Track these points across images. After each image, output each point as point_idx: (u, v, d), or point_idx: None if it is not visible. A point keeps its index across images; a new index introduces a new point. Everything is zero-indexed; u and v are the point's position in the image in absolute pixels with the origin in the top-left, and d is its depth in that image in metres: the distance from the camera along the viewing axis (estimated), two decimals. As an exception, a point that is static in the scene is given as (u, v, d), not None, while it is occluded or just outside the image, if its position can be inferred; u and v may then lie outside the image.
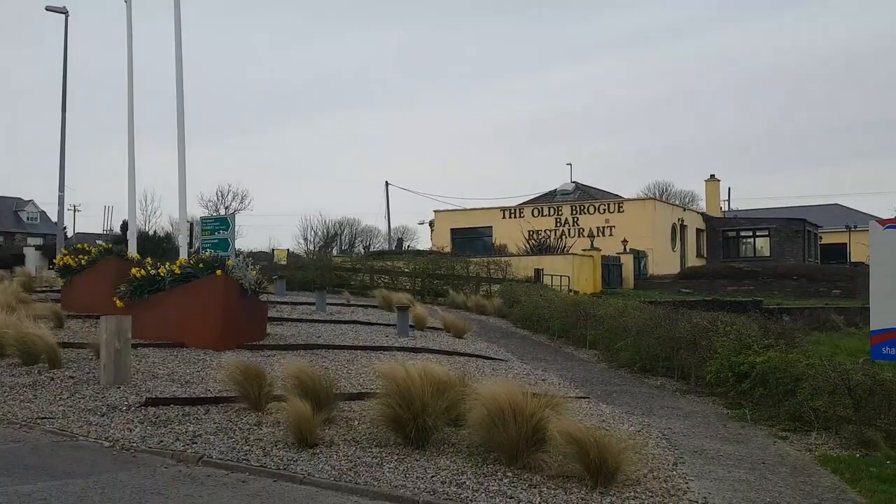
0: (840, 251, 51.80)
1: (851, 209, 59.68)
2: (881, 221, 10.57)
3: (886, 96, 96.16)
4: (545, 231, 38.62)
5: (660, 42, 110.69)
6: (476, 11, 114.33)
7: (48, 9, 27.03)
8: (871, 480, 7.15)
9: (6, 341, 10.18)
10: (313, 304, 18.50)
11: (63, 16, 27.30)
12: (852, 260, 48.92)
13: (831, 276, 36.30)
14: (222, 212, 60.05)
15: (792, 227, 45.97)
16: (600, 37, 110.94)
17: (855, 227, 52.29)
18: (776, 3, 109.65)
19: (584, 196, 44.68)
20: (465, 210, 45.36)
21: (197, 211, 56.63)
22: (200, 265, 11.54)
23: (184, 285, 11.65)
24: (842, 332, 23.09)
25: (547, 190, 47.92)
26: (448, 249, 38.47)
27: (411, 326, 15.68)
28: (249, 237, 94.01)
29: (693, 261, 42.60)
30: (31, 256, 43.34)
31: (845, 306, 27.33)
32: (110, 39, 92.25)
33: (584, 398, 10.64)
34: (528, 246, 35.62)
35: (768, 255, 44.73)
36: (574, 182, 47.88)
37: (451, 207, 47.40)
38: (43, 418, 7.64)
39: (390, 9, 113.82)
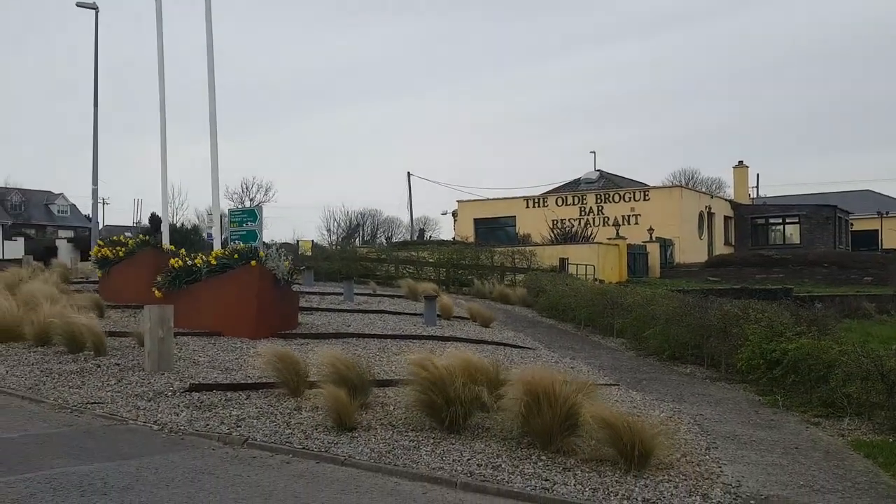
0: (871, 238, 51.03)
1: (883, 195, 58.70)
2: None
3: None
4: (569, 220, 38.56)
5: (684, 25, 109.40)
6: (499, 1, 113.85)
7: (79, 5, 27.48)
8: (904, 464, 7.19)
9: (53, 330, 10.52)
10: (341, 294, 18.77)
11: (93, 11, 27.73)
12: (884, 247, 48.20)
13: (862, 263, 35.85)
14: (247, 204, 60.76)
15: (822, 213, 45.35)
16: (623, 20, 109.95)
17: (887, 213, 51.51)
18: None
19: (608, 184, 44.48)
20: (489, 200, 45.39)
21: (222, 203, 57.22)
22: (235, 256, 11.80)
23: (220, 276, 11.93)
24: (873, 319, 22.89)
25: (571, 179, 47.79)
26: (471, 239, 38.59)
27: (438, 316, 15.87)
28: (273, 228, 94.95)
29: (721, 249, 42.25)
30: (64, 249, 44.24)
31: (877, 293, 27.05)
32: (131, 31, 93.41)
33: (613, 385, 10.75)
34: (552, 235, 35.62)
35: (798, 242, 44.18)
36: (598, 170, 47.69)
37: (473, 197, 47.50)
38: (93, 403, 7.92)
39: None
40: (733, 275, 33.43)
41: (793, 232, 45.77)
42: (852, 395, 9.20)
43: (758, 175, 62.15)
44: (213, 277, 11.99)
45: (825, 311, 16.35)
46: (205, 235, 36.35)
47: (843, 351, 9.88)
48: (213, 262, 11.98)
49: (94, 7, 27.61)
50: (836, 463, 7.28)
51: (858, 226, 52.09)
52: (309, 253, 32.68)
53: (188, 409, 7.72)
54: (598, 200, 40.38)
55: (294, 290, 13.51)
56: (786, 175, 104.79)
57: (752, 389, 11.07)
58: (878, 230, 50.95)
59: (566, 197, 41.82)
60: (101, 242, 17.01)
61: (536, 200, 42.34)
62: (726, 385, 11.58)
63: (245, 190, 64.60)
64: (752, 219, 46.25)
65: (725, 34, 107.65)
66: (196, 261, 12.23)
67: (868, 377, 9.05)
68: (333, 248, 46.08)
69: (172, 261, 12.58)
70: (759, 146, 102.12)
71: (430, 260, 27.21)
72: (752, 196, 54.76)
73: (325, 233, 70.41)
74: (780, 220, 46.71)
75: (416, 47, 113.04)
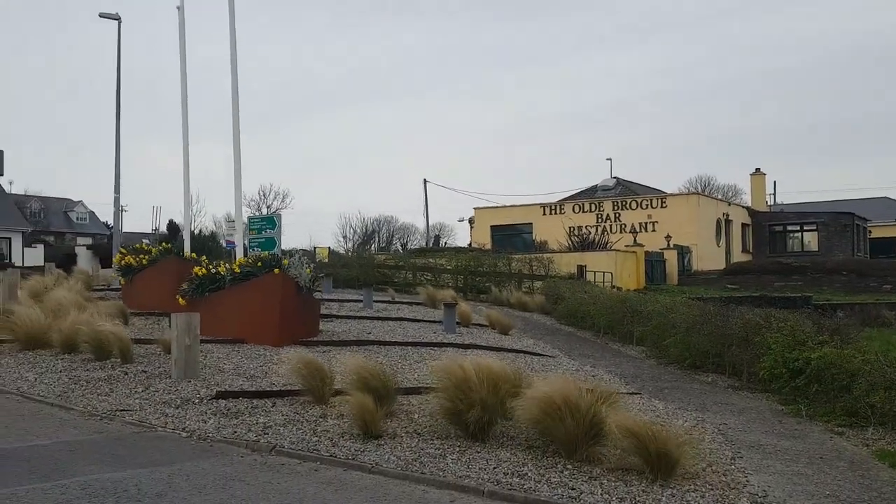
0: (890, 245, 50.54)
1: (902, 202, 58.21)
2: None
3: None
4: (586, 227, 38.50)
5: (697, 30, 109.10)
6: (511, 2, 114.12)
7: (101, 15, 27.88)
8: (931, 475, 7.17)
9: (80, 338, 10.68)
10: (360, 301, 18.87)
11: (115, 22, 28.12)
12: (903, 254, 47.73)
13: (882, 271, 35.55)
14: (264, 211, 61.23)
15: (840, 220, 45.04)
16: (638, 24, 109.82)
17: (905, 220, 51.00)
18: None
19: (625, 191, 44.41)
20: (505, 207, 45.43)
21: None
22: (259, 264, 11.93)
23: (243, 283, 12.06)
24: (893, 328, 22.70)
25: (587, 186, 47.75)
26: (488, 246, 38.64)
27: (457, 323, 15.92)
28: (289, 235, 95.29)
29: (738, 256, 42.05)
30: (83, 256, 44.76)
31: (897, 302, 26.82)
32: (147, 39, 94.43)
33: (635, 394, 10.76)
34: (569, 242, 35.60)
35: (816, 249, 43.89)
36: (615, 177, 47.61)
37: (489, 204, 47.57)
38: (122, 410, 8.04)
39: (425, 2, 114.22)
40: (752, 282, 33.27)
41: (811, 239, 45.48)
42: (876, 404, 9.16)
43: (774, 182, 61.95)
44: (237, 285, 12.13)
45: (847, 320, 16.31)
46: (222, 243, 36.65)
47: (867, 360, 9.84)
48: (237, 269, 12.11)
49: (117, 18, 27.99)
50: (861, 473, 7.26)
51: (877, 233, 51.66)
52: (326, 260, 32.88)
53: (215, 416, 7.82)
54: (616, 207, 40.32)
55: (317, 297, 13.63)
56: (802, 182, 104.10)
57: (775, 399, 11.04)
58: (896, 237, 50.51)
59: (583, 204, 41.79)
60: (123, 250, 17.22)
61: (553, 207, 42.35)
62: (748, 394, 11.55)
63: (262, 197, 65.13)
64: (769, 226, 46.00)
65: (741, 39, 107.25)
66: (220, 269, 12.37)
67: (892, 387, 9.03)
68: (350, 254, 46.32)
69: (196, 269, 12.73)
70: (774, 153, 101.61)
71: (448, 267, 27.29)
72: (769, 203, 54.46)
73: (342, 239, 70.83)
74: (798, 228, 46.43)
75: (431, 52, 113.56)
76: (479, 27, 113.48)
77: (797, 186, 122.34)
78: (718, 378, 12.84)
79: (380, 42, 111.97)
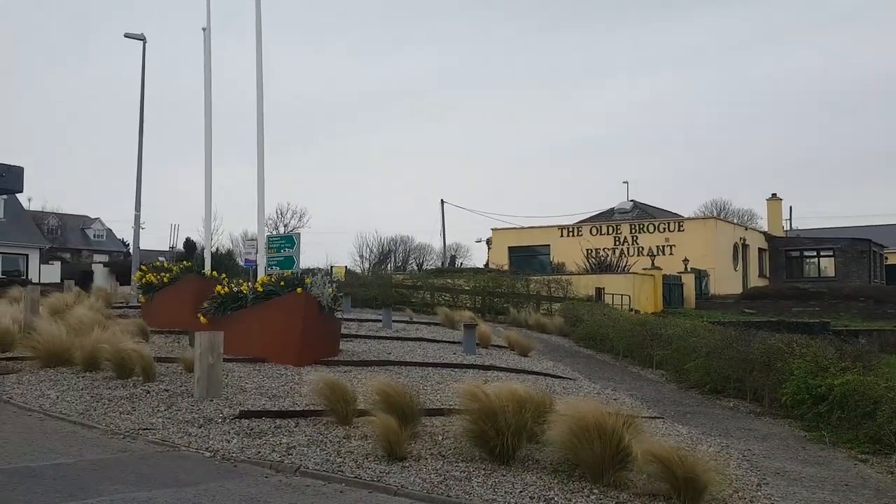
0: (907, 272, 50.11)
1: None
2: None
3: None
4: (604, 249, 38.42)
5: (714, 57, 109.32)
6: (525, 27, 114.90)
7: (127, 35, 28.26)
8: (961, 504, 7.06)
9: (101, 355, 10.75)
10: (378, 320, 18.88)
11: (140, 42, 28.51)
12: (920, 281, 47.27)
13: (899, 297, 35.18)
14: (282, 229, 61.51)
15: (857, 247, 44.76)
16: (654, 51, 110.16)
17: (923, 247, 50.54)
18: (831, 20, 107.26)
19: (642, 214, 44.34)
20: (523, 228, 45.43)
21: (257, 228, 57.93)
22: (282, 283, 11.99)
23: (265, 302, 12.11)
24: (912, 355, 22.44)
25: (604, 208, 47.73)
26: (506, 267, 38.57)
27: (476, 344, 15.88)
28: (307, 254, 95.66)
29: (755, 280, 41.79)
30: (100, 273, 45.12)
31: (915, 328, 26.53)
32: (172, 59, 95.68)
33: (658, 418, 10.67)
34: (587, 264, 35.52)
35: (833, 275, 43.59)
36: (632, 200, 47.56)
37: (506, 225, 47.59)
38: (145, 429, 8.07)
39: (440, 25, 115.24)
40: (769, 307, 33.03)
41: (827, 265, 45.20)
42: (901, 432, 9.04)
43: (790, 207, 61.55)
44: (259, 304, 12.18)
45: (868, 347, 16.14)
46: (240, 261, 36.86)
47: (890, 387, 9.77)
48: (260, 288, 12.18)
49: (142, 38, 28.38)
50: (886, 501, 7.20)
51: (893, 259, 51.28)
52: (343, 279, 32.98)
53: (238, 436, 7.83)
54: (633, 230, 40.23)
55: (338, 317, 13.66)
56: (818, 207, 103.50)
57: (798, 425, 10.93)
58: (914, 264, 50.04)
59: (600, 226, 41.74)
60: (143, 268, 17.37)
61: (571, 229, 42.32)
62: (771, 420, 11.44)
63: (280, 216, 65.50)
64: (786, 251, 45.77)
65: (757, 69, 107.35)
66: (242, 287, 12.45)
67: (917, 414, 8.91)
68: (367, 274, 46.41)
69: (218, 287, 12.81)
70: (790, 178, 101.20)
71: (466, 287, 27.27)
72: (785, 229, 54.22)
73: (358, 258, 70.96)
74: (815, 253, 46.17)
75: (445, 73, 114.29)
76: (505, 47, 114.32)
77: (812, 212, 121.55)
78: (740, 403, 12.73)
79: (396, 66, 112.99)
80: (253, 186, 13.96)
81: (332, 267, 41.57)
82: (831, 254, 44.76)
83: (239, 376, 10.64)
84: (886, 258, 50.19)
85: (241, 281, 13.24)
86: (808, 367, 11.08)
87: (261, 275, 13.01)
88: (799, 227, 60.06)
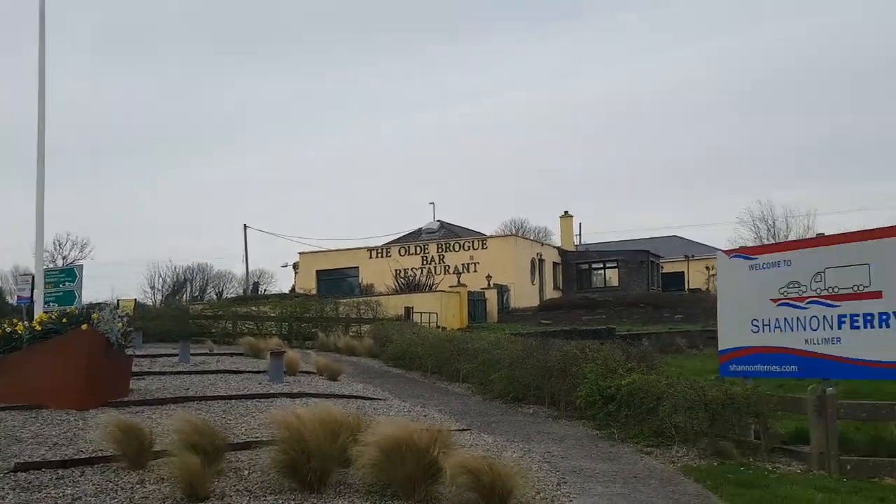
0: (679, 279, 56.13)
1: (688, 240, 64.94)
2: (727, 252, 11.79)
3: (708, 131, 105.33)
4: (412, 269, 39.26)
5: (488, 96, 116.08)
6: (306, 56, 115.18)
7: None
8: (730, 486, 7.97)
9: None
10: (174, 355, 17.86)
11: None
12: (690, 286, 53.19)
13: (673, 303, 39.37)
14: (60, 262, 56.23)
15: (637, 258, 49.46)
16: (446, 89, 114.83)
17: (692, 256, 56.96)
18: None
19: (448, 234, 45.89)
20: (331, 251, 45.19)
21: (29, 262, 52.53)
22: (64, 320, 10.91)
23: (45, 342, 10.93)
24: (685, 353, 25.10)
25: (412, 229, 48.78)
26: (314, 291, 38.12)
27: (284, 372, 15.47)
28: (90, 288, 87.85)
29: (550, 293, 44.70)
30: None
31: (688, 330, 29.75)
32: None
33: (465, 430, 10.98)
34: (396, 285, 36.04)
35: (617, 285, 47.82)
36: (438, 221, 49.06)
37: (313, 249, 47.05)
38: None
39: (243, 58, 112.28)
40: (563, 317, 35.48)
41: (612, 276, 49.51)
42: (679, 424, 9.98)
43: (580, 224, 66.73)
44: (38, 344, 10.98)
45: (650, 348, 17.82)
46: (11, 300, 33.13)
47: (670, 384, 10.72)
48: (38, 327, 10.99)
49: None
50: (671, 488, 7.90)
51: (668, 268, 57.20)
52: (132, 313, 30.75)
53: (14, 491, 6.96)
54: (440, 249, 41.47)
55: (129, 353, 12.69)
56: (601, 221, 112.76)
57: (591, 425, 11.72)
58: (684, 272, 56.18)
59: (409, 247, 42.58)
60: None
61: (379, 251, 42.74)
62: (567, 422, 12.19)
63: (58, 247, 59.73)
64: (576, 264, 49.55)
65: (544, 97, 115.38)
66: (17, 327, 11.16)
67: (692, 407, 9.91)
68: (159, 306, 43.63)
69: (-14, 329, 11.39)
70: (579, 196, 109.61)
71: (272, 314, 26.55)
72: (576, 243, 58.58)
73: (149, 290, 66.48)
74: (602, 265, 50.42)
75: (247, 101, 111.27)
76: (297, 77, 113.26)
77: (605, 228, 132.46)
78: (540, 409, 13.45)
79: (207, 95, 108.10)
80: (30, 219, 12.53)
81: (118, 300, 38.68)
82: (615, 265, 49.12)
83: (13, 426, 9.49)
84: (662, 267, 55.86)
85: (14, 321, 11.87)
86: (599, 370, 11.94)
87: (39, 312, 11.76)
88: (588, 242, 65.20)
